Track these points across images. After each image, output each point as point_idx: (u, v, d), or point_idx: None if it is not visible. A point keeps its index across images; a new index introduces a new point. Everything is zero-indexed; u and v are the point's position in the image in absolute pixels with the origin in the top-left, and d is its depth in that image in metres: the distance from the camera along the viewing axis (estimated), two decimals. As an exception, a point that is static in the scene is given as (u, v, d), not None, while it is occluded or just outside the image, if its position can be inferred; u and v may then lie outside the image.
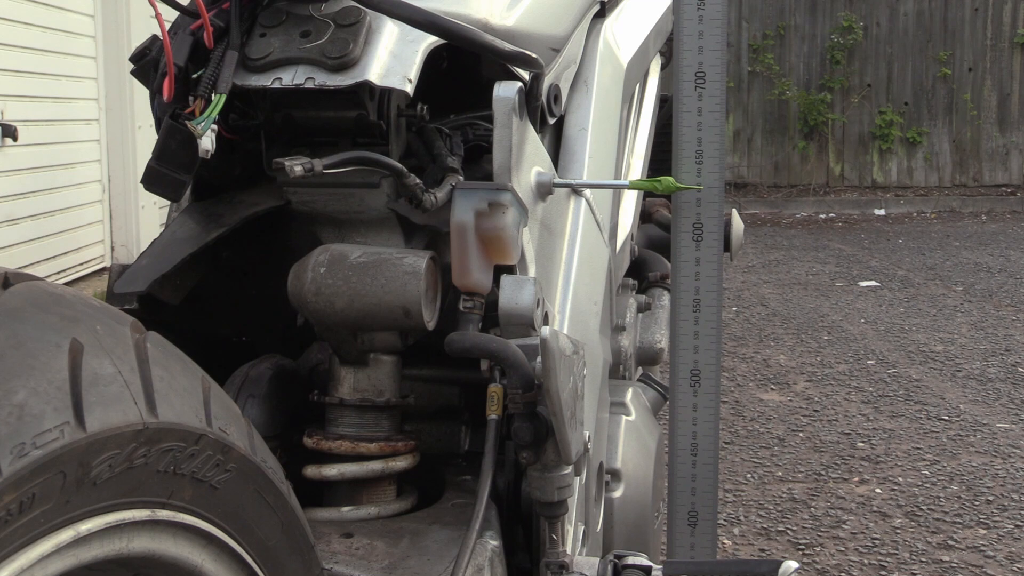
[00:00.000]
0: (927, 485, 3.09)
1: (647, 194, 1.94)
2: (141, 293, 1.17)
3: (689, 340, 1.42)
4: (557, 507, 1.15)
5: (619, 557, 1.21)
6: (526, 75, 1.32)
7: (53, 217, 4.99)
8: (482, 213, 1.17)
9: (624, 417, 1.55)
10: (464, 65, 1.38)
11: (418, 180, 1.18)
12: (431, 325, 1.17)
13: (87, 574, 0.70)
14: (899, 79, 10.38)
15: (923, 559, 2.61)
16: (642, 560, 1.21)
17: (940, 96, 10.36)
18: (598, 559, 1.22)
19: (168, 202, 1.30)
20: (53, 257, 5.00)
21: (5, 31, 4.57)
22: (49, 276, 4.71)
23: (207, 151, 1.10)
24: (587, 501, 1.36)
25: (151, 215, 5.65)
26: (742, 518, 2.86)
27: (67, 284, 2.95)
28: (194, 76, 1.13)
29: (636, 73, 1.88)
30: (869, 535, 2.75)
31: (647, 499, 1.54)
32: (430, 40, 1.18)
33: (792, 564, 1.14)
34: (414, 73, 1.15)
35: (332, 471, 1.19)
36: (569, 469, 1.14)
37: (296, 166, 1.07)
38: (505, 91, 1.21)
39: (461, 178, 1.22)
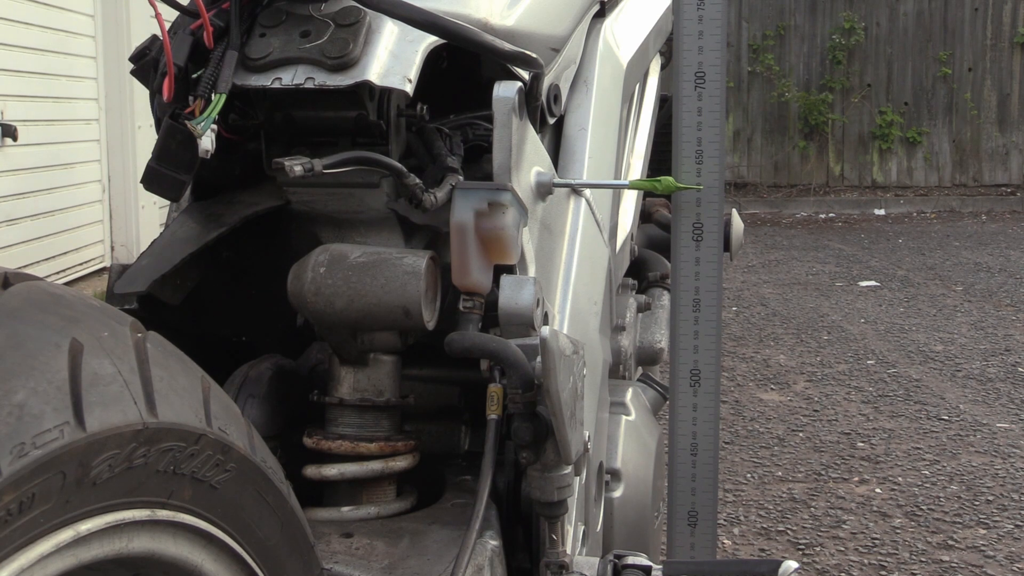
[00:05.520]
0: (927, 485, 3.09)
1: (647, 194, 1.94)
2: (141, 293, 1.17)
3: (689, 340, 1.42)
4: (557, 507, 1.15)
5: (619, 557, 1.21)
6: (526, 75, 1.32)
7: (53, 217, 4.99)
8: (482, 213, 1.17)
9: (624, 417, 1.55)
10: (464, 65, 1.38)
11: (418, 180, 1.18)
12: (431, 325, 1.17)
13: (87, 574, 0.70)
14: (899, 79, 10.38)
15: (923, 559, 2.61)
16: (642, 560, 1.21)
17: (940, 96, 10.36)
18: (598, 559, 1.22)
19: (168, 202, 1.30)
20: (53, 257, 5.00)
21: (5, 31, 4.57)
22: (49, 276, 4.71)
23: (207, 151, 1.10)
24: (587, 501, 1.36)
25: (151, 215, 5.65)
26: (742, 518, 2.86)
27: (67, 284, 2.96)
28: (194, 76, 1.13)
29: (636, 73, 1.88)
30: (869, 535, 2.75)
31: (647, 499, 1.54)
32: (430, 40, 1.18)
33: (792, 564, 1.14)
34: (414, 73, 1.15)
35: (332, 471, 1.19)
36: (569, 469, 1.14)
37: (296, 166, 1.07)
38: (505, 91, 1.21)
39: (461, 178, 1.22)
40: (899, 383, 4.12)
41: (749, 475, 3.17)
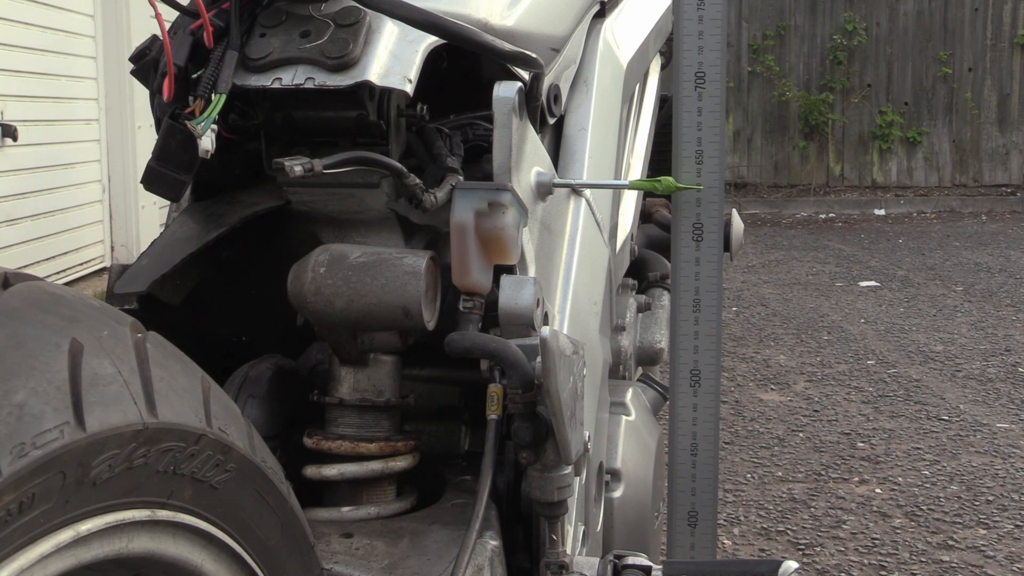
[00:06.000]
0: (927, 485, 3.09)
1: (647, 194, 1.94)
2: (141, 293, 1.17)
3: (689, 340, 1.42)
4: (557, 507, 1.15)
5: (619, 557, 1.21)
6: (526, 75, 1.32)
7: (53, 217, 4.99)
8: (482, 213, 1.17)
9: (624, 417, 1.55)
10: (464, 65, 1.38)
11: (418, 180, 1.18)
12: (431, 325, 1.17)
13: (87, 574, 0.70)
14: (899, 79, 10.38)
15: (923, 559, 2.61)
16: (642, 560, 1.21)
17: (940, 96, 10.36)
18: (598, 559, 1.22)
19: (168, 202, 1.30)
20: (53, 257, 5.00)
21: (5, 31, 4.57)
22: (49, 276, 4.71)
23: (207, 151, 1.10)
24: (587, 501, 1.36)
25: (151, 215, 5.65)
26: (742, 518, 2.86)
27: (67, 284, 2.96)
28: (194, 76, 1.13)
29: (636, 73, 1.88)
30: (869, 535, 2.75)
31: (647, 499, 1.54)
32: (430, 40, 1.18)
33: (792, 564, 1.14)
34: (414, 73, 1.15)
35: (332, 471, 1.19)
36: (569, 469, 1.14)
37: (296, 166, 1.07)
38: (505, 91, 1.21)
39: (461, 178, 1.22)
40: (899, 383, 4.12)
41: (749, 475, 3.17)
